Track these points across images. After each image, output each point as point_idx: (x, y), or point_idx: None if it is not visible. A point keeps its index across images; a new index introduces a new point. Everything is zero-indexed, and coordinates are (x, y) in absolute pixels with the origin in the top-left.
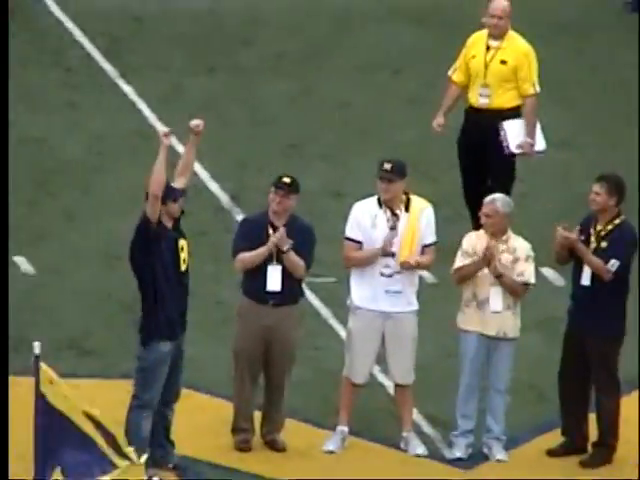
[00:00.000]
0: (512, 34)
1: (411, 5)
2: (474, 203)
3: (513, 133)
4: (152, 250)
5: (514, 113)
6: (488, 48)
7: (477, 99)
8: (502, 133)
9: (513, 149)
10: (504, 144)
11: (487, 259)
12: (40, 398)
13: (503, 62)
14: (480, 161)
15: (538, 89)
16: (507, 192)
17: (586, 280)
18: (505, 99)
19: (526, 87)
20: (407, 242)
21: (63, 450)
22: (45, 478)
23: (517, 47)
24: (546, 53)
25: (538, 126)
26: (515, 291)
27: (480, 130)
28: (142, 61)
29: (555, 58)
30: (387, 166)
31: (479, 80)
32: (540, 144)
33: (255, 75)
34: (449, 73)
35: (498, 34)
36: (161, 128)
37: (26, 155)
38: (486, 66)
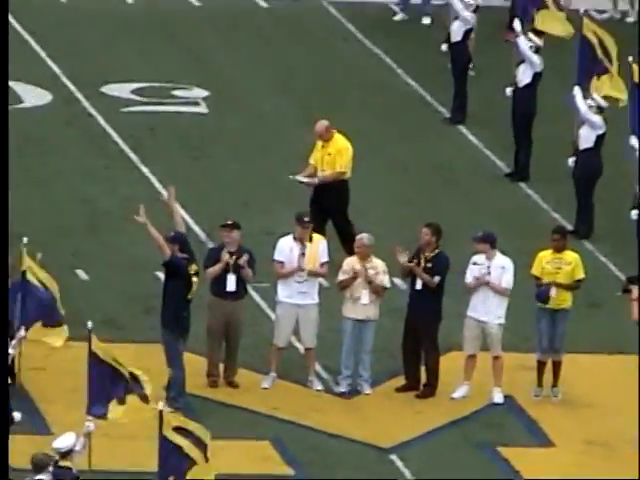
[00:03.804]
0: (337, 136)
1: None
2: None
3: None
4: None
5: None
6: (323, 146)
7: (317, 174)
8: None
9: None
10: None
11: (355, 277)
12: (92, 355)
13: (329, 154)
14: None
15: (348, 170)
16: (344, 229)
17: (418, 286)
18: (330, 175)
19: (340, 167)
20: (311, 261)
21: (110, 386)
22: (99, 410)
23: (338, 145)
24: (375, 139)
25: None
26: (378, 292)
27: (319, 191)
28: (153, 153)
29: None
30: (306, 218)
31: (318, 164)
32: None
33: (220, 161)
34: (310, 160)
35: (326, 139)
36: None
37: (76, 208)
38: (321, 157)
